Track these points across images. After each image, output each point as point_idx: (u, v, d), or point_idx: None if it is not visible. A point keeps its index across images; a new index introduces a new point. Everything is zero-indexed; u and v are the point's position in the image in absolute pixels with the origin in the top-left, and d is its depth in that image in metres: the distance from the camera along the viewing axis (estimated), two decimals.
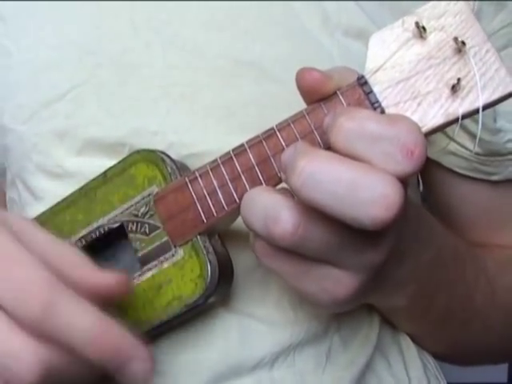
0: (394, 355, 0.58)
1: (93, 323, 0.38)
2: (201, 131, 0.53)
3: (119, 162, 0.50)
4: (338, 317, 0.55)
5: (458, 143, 0.59)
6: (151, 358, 0.40)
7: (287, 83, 0.50)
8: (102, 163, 0.51)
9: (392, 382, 0.57)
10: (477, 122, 0.55)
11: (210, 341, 0.52)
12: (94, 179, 0.51)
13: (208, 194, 0.46)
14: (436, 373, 0.62)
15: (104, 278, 0.41)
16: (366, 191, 0.37)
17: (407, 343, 0.60)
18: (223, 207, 0.45)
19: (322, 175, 0.38)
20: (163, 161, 0.48)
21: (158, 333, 0.50)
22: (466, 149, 0.59)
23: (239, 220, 0.47)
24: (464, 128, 0.58)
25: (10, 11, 0.57)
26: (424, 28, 0.42)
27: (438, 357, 0.64)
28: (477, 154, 0.60)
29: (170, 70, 0.53)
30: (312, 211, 0.40)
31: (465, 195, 0.63)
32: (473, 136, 0.58)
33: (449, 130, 0.57)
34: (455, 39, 0.42)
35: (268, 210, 0.41)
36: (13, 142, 0.56)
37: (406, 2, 0.49)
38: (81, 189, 0.51)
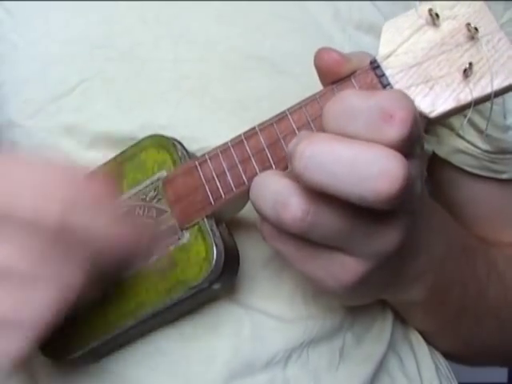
0: (406, 353, 0.58)
1: (112, 220, 0.42)
2: (212, 125, 0.52)
3: (130, 147, 0.50)
4: (351, 312, 0.54)
5: (468, 141, 0.59)
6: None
7: (299, 77, 0.51)
8: (112, 157, 0.51)
9: (404, 381, 0.56)
10: (486, 118, 0.56)
11: (221, 337, 0.51)
12: (104, 164, 0.50)
13: (217, 176, 0.45)
14: (447, 373, 0.61)
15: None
16: (367, 167, 0.37)
17: (418, 341, 0.59)
18: (232, 189, 0.45)
19: (322, 156, 0.38)
20: (174, 146, 0.48)
21: (162, 319, 0.49)
22: (476, 147, 0.59)
23: (252, 212, 0.46)
24: (473, 125, 0.58)
25: (18, 5, 0.56)
26: (437, 15, 0.42)
27: (449, 356, 0.63)
28: (486, 151, 0.60)
29: (180, 64, 0.53)
30: (322, 197, 0.39)
31: (474, 194, 0.63)
32: (482, 133, 0.58)
33: (457, 125, 0.58)
34: (468, 25, 0.42)
35: (278, 195, 0.41)
36: (20, 137, 0.55)
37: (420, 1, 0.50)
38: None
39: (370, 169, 0.37)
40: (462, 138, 0.59)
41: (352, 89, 0.41)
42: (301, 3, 0.54)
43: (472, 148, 0.59)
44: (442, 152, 0.61)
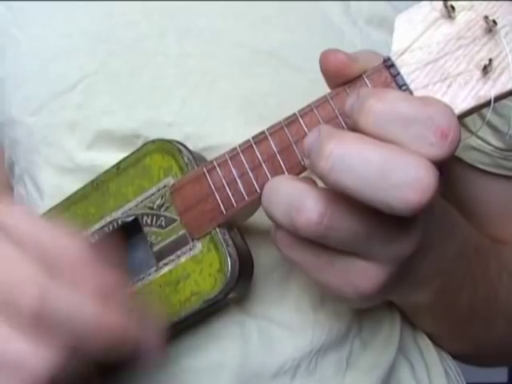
0: (415, 358, 0.56)
1: (94, 305, 0.37)
2: (218, 122, 0.51)
3: (133, 153, 0.48)
4: (358, 319, 0.53)
5: (481, 138, 0.58)
6: (161, 339, 0.40)
7: (307, 73, 0.49)
8: (115, 156, 0.49)
9: None
10: (501, 116, 0.54)
11: (228, 346, 0.50)
12: (106, 171, 0.49)
13: (227, 184, 0.44)
14: (457, 377, 0.60)
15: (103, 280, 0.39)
16: (399, 174, 0.36)
17: (427, 346, 0.58)
18: (243, 197, 0.43)
19: (352, 158, 0.36)
20: (179, 151, 0.46)
21: (176, 330, 0.48)
22: (489, 144, 0.58)
23: (256, 216, 0.45)
24: (487, 122, 0.56)
25: None
26: (453, 7, 0.40)
27: (458, 357, 0.62)
28: (499, 148, 0.58)
29: (185, 59, 0.52)
30: (338, 200, 0.38)
31: (486, 191, 0.62)
32: (496, 130, 0.56)
33: (471, 123, 0.56)
34: (486, 18, 0.40)
35: (291, 199, 0.39)
36: (21, 135, 0.55)
37: None
38: (92, 182, 0.49)
39: (401, 176, 0.36)
40: (475, 134, 0.58)
41: (397, 91, 0.39)
42: None
43: (484, 145, 0.58)
44: None
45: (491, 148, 0.58)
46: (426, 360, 0.57)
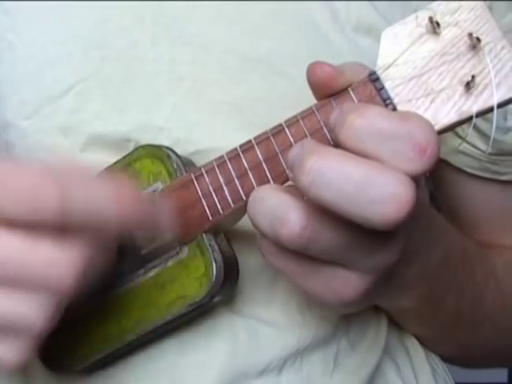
0: (401, 358, 0.57)
1: (109, 191, 0.40)
2: (208, 128, 0.52)
3: (124, 158, 0.49)
4: (346, 320, 0.54)
5: (468, 142, 0.58)
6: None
7: (296, 79, 0.50)
8: (106, 159, 0.50)
9: None
10: (488, 120, 0.54)
11: (216, 344, 0.51)
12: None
13: (214, 191, 0.45)
14: (445, 376, 0.61)
15: None
16: (377, 190, 0.36)
17: (414, 346, 0.59)
18: (229, 204, 0.44)
19: (332, 174, 0.37)
20: (169, 157, 0.47)
21: (162, 332, 0.49)
22: (477, 148, 0.59)
23: (245, 220, 0.46)
24: (474, 127, 0.57)
25: (15, 4, 0.56)
26: (438, 23, 0.41)
27: (446, 359, 0.63)
28: (487, 152, 0.59)
29: (176, 65, 0.53)
30: (321, 212, 0.39)
31: (474, 195, 0.62)
32: (484, 135, 0.57)
33: (459, 128, 0.57)
34: (470, 35, 0.40)
35: (275, 210, 0.40)
36: (16, 138, 0.55)
37: (418, 1, 0.49)
38: None
39: (380, 192, 0.36)
40: (462, 138, 0.58)
41: (377, 106, 0.40)
42: (298, 4, 0.53)
43: (472, 149, 0.59)
44: (441, 153, 0.60)
45: (479, 152, 0.59)
46: (413, 360, 0.58)
